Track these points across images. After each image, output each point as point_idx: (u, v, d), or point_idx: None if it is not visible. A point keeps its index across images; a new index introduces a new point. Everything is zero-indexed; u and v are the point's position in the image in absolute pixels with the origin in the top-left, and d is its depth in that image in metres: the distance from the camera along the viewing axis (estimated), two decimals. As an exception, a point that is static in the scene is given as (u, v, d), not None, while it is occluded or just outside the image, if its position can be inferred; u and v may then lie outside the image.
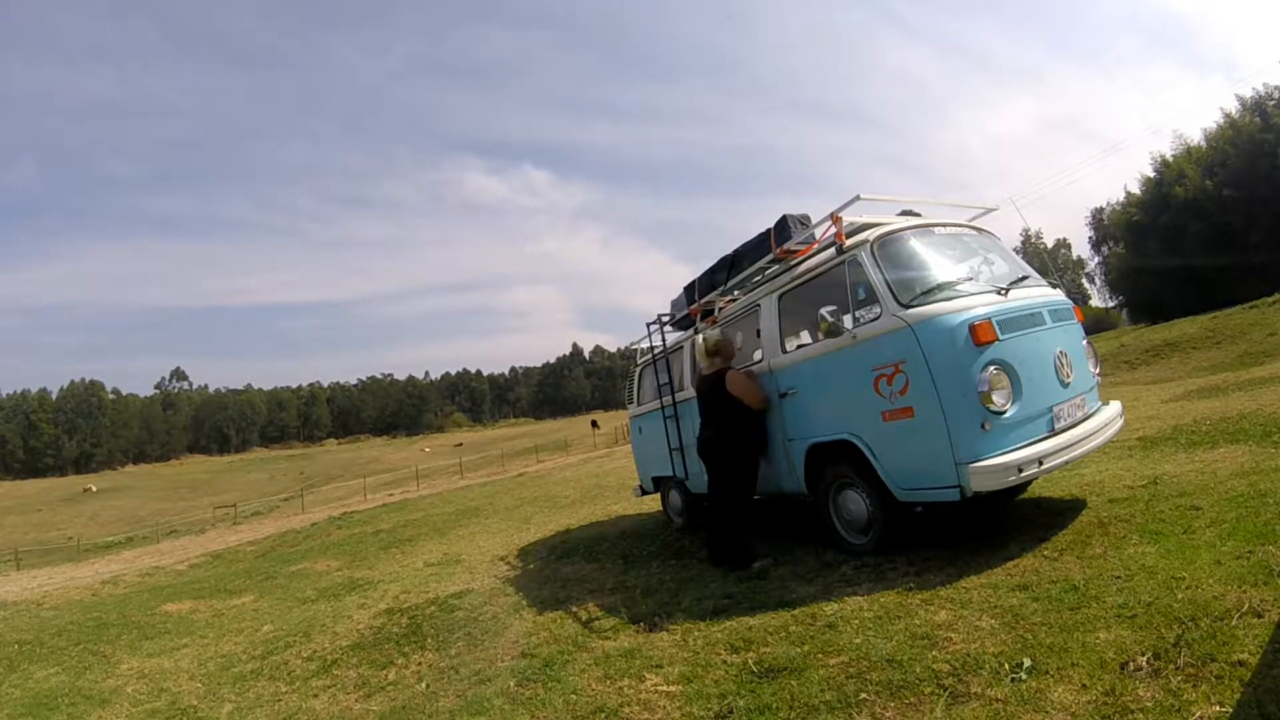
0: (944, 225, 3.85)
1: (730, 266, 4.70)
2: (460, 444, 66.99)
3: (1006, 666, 2.09)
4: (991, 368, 3.06)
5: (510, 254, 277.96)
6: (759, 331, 4.29)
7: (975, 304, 3.22)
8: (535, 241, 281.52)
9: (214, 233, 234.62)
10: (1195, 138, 32.92)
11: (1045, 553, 3.01)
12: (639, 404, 6.29)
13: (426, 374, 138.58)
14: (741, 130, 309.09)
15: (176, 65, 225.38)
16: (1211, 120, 32.23)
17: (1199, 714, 1.67)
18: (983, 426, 3.02)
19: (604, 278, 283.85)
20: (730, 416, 4.09)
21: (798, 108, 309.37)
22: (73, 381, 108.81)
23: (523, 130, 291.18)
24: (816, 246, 4.02)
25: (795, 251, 4.12)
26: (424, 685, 3.16)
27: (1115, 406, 3.82)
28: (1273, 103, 29.26)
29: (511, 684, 2.86)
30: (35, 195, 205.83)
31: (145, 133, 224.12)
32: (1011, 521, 3.68)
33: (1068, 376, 3.40)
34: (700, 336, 4.37)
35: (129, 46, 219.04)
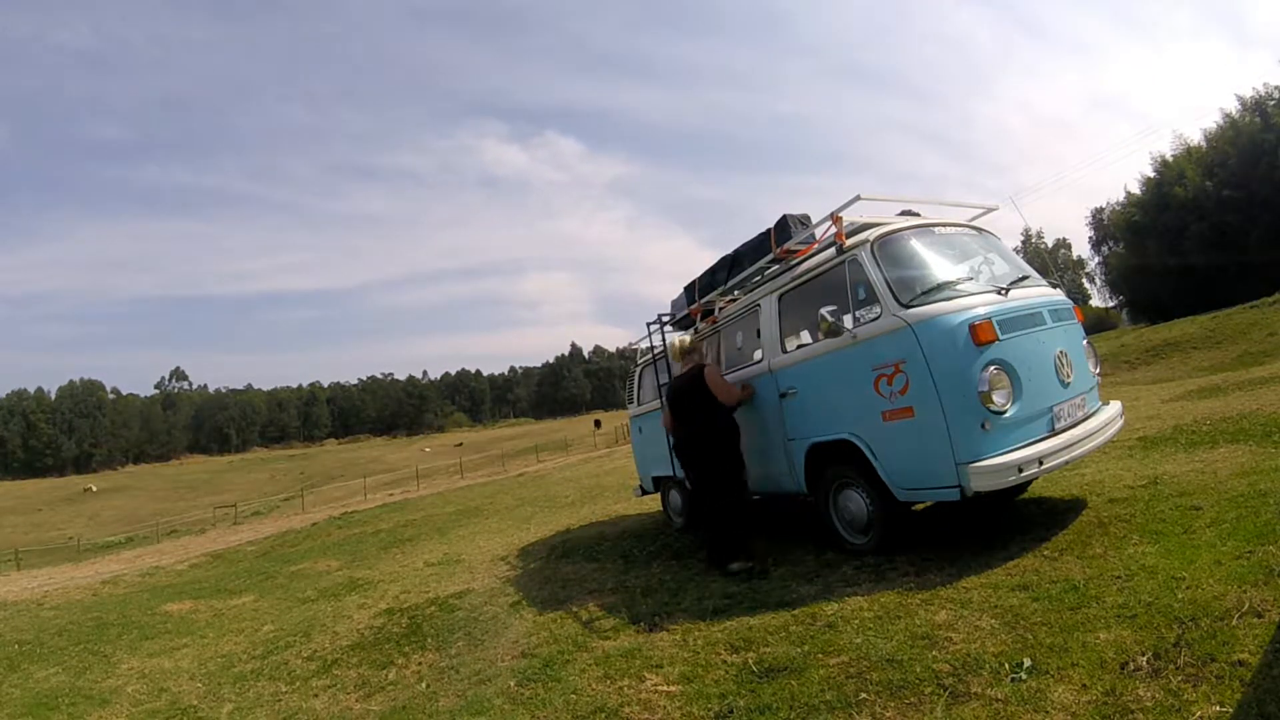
0: (944, 225, 3.85)
1: (730, 266, 4.70)
2: (460, 444, 66.94)
3: (1007, 666, 2.09)
4: (992, 367, 3.06)
5: (526, 236, 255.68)
6: (759, 331, 4.30)
7: (975, 304, 3.22)
8: (554, 221, 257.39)
9: (208, 208, 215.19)
10: (1195, 138, 32.98)
11: (1045, 553, 3.01)
12: (639, 404, 6.29)
13: (425, 373, 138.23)
14: (782, 97, 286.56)
15: (158, 12, 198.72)
16: (1212, 120, 32.25)
17: (1199, 714, 1.67)
18: (983, 426, 3.02)
19: (626, 265, 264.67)
20: (708, 412, 4.11)
21: (843, 72, 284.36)
22: (71, 381, 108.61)
23: (548, 91, 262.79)
24: (816, 246, 4.03)
25: (795, 251, 4.12)
26: (424, 685, 3.16)
27: (1115, 406, 3.82)
28: (1273, 103, 29.23)
29: (511, 684, 2.86)
30: (12, 165, 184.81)
31: (126, 91, 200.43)
32: (1011, 521, 3.68)
33: (1068, 376, 3.40)
34: (674, 337, 4.38)
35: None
